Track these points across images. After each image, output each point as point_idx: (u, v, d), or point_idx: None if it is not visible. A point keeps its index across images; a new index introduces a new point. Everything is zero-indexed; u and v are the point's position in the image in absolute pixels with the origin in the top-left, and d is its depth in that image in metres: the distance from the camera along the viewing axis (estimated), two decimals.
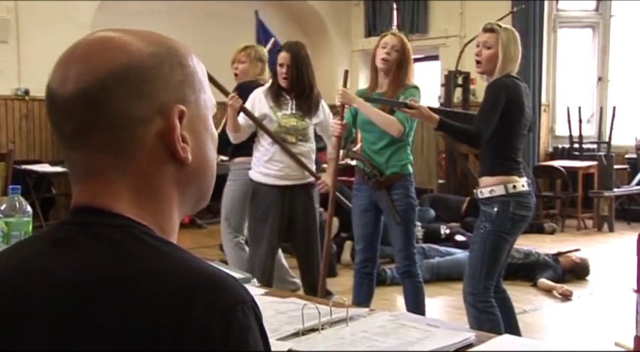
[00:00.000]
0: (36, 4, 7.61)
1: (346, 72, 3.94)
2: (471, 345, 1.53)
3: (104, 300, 0.75)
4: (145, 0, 8.60)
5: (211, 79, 3.34)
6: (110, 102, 0.82)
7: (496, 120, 3.17)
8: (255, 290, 1.94)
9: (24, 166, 6.88)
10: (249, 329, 0.76)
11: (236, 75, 4.70)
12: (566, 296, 5.08)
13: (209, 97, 0.91)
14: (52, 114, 0.85)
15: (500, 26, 3.31)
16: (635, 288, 2.96)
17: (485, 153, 3.32)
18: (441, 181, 8.81)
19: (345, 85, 3.80)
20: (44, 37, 7.59)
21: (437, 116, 3.26)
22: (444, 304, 4.93)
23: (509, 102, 3.18)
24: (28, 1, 7.60)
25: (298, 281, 4.43)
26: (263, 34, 6.98)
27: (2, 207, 2.09)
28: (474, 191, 3.42)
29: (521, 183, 3.25)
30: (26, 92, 7.68)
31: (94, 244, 0.80)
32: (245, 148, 4.15)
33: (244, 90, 4.16)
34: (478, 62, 3.32)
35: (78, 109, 0.82)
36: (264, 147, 3.94)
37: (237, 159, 4.44)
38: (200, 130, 0.89)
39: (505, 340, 1.64)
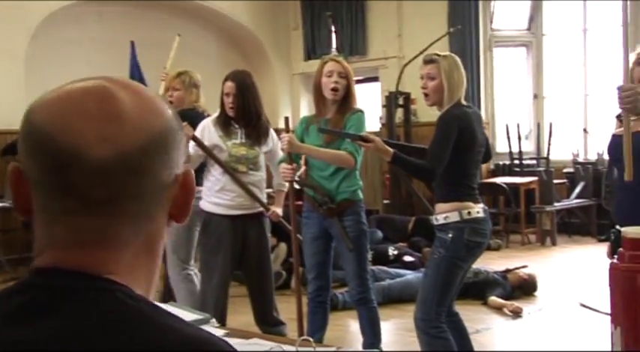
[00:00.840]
0: None
1: (286, 119, 3.90)
2: None
3: None
4: (79, 27, 8.45)
5: None
6: (150, 171, 0.78)
7: (449, 153, 3.18)
8: (215, 331, 1.88)
9: None
10: None
11: (171, 102, 4.53)
12: (516, 313, 5.13)
13: None
14: (73, 174, 0.75)
15: (439, 55, 3.33)
16: (608, 315, 2.94)
17: (439, 180, 3.32)
18: (386, 202, 8.86)
19: (287, 131, 3.76)
20: None
21: (391, 150, 3.25)
22: (397, 327, 4.92)
23: (460, 132, 3.20)
24: None
25: None
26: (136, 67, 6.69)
27: None
28: (430, 217, 3.42)
29: (476, 210, 3.25)
30: None
31: (79, 310, 0.74)
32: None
33: (186, 118, 4.09)
34: (426, 95, 3.34)
35: (116, 176, 0.76)
36: (215, 177, 3.88)
37: None
38: None
39: None
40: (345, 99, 3.69)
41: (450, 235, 3.22)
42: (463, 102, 3.32)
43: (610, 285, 2.52)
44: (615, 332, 2.47)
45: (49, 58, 8.15)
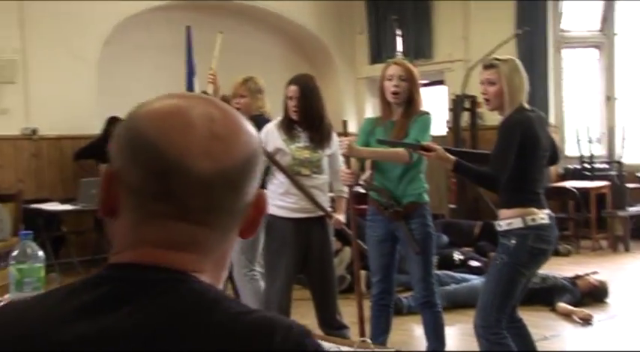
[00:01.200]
0: (42, 43, 7.67)
1: (344, 122, 3.91)
2: None
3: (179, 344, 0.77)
4: (148, 33, 8.66)
5: None
6: (242, 188, 0.86)
7: (512, 159, 3.14)
8: None
9: (33, 205, 6.87)
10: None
11: (238, 109, 4.62)
12: (586, 321, 5.01)
13: None
14: (176, 183, 0.82)
15: (499, 59, 3.29)
16: None
17: (503, 186, 3.27)
18: (452, 206, 8.77)
19: (345, 134, 3.76)
20: (51, 75, 7.66)
21: (453, 158, 3.22)
22: (462, 332, 4.85)
23: (523, 137, 3.15)
24: (35, 40, 7.65)
25: None
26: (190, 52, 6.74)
27: (14, 254, 2.08)
28: (494, 223, 3.37)
29: (541, 216, 3.19)
30: (34, 131, 7.71)
31: (159, 299, 0.81)
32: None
33: (255, 125, 4.13)
34: (487, 100, 3.31)
35: (214, 190, 0.84)
36: (279, 180, 3.91)
37: None
38: None
39: None
40: (410, 102, 3.67)
41: (513, 241, 3.17)
42: (525, 106, 3.27)
43: None
44: None
45: (119, 64, 8.38)
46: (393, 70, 3.68)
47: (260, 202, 0.90)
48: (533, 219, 3.17)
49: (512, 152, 3.14)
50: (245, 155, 0.86)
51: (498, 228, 3.28)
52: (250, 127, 0.90)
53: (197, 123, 0.83)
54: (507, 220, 3.22)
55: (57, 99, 7.70)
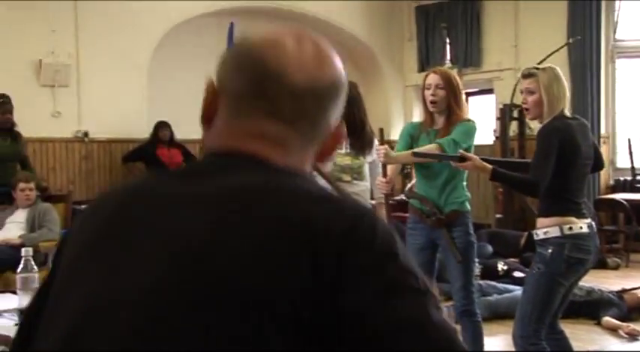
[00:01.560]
0: (95, 49, 7.87)
1: (381, 130, 3.91)
2: None
3: (263, 204, 0.88)
4: (198, 39, 8.79)
5: None
6: (327, 106, 1.01)
7: (552, 166, 3.13)
8: None
9: (83, 206, 7.02)
10: (387, 224, 0.92)
11: None
12: (633, 336, 4.93)
13: None
14: (272, 89, 0.96)
15: (538, 68, 3.32)
16: None
17: (542, 194, 3.26)
18: (498, 216, 8.70)
19: (382, 142, 3.77)
20: (103, 80, 7.86)
21: (490, 166, 3.25)
22: (503, 343, 4.81)
23: (562, 145, 3.15)
24: (88, 46, 7.86)
25: None
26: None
27: None
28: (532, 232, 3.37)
29: (579, 225, 3.18)
30: (85, 134, 7.91)
31: (243, 173, 0.93)
32: None
33: None
34: (526, 109, 3.34)
35: (303, 99, 0.97)
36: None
37: None
38: None
39: None
40: (452, 110, 3.67)
41: (550, 251, 3.16)
42: (566, 113, 3.26)
43: None
44: None
45: (170, 70, 8.53)
46: (431, 78, 3.70)
47: (338, 133, 1.05)
48: (571, 228, 3.16)
49: (551, 158, 3.13)
50: (333, 78, 0.99)
51: (535, 237, 3.28)
52: (339, 61, 1.02)
53: (297, 45, 0.97)
54: (545, 229, 3.21)
55: (108, 103, 7.89)
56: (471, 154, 3.30)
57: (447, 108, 3.67)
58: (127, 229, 0.90)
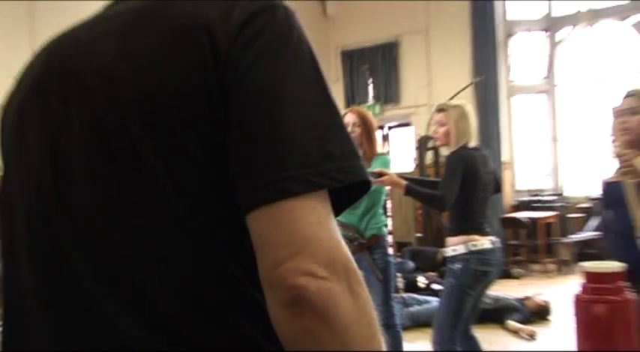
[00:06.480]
0: None
1: None
2: None
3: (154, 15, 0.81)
4: None
5: None
6: None
7: (457, 184, 3.29)
8: None
9: None
10: (293, 16, 0.80)
11: None
12: (531, 336, 5.18)
13: None
14: None
15: (450, 105, 3.50)
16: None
17: (449, 216, 3.45)
18: (418, 235, 8.94)
19: None
20: None
21: (404, 182, 3.40)
22: (423, 349, 4.99)
23: (465, 172, 3.33)
24: None
25: None
26: None
27: None
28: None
29: (482, 242, 3.32)
30: None
31: None
32: None
33: None
34: (436, 138, 3.53)
35: None
36: None
37: None
38: None
39: None
40: (367, 146, 3.81)
41: (458, 266, 3.31)
42: (470, 145, 3.44)
43: (574, 315, 2.56)
44: None
45: None
46: (348, 117, 3.82)
47: None
48: (475, 245, 3.31)
49: (457, 180, 3.28)
50: None
51: (446, 254, 3.42)
52: None
53: None
54: (453, 247, 3.36)
55: None
56: (387, 171, 3.46)
57: (362, 145, 3.78)
58: (54, 82, 0.85)
